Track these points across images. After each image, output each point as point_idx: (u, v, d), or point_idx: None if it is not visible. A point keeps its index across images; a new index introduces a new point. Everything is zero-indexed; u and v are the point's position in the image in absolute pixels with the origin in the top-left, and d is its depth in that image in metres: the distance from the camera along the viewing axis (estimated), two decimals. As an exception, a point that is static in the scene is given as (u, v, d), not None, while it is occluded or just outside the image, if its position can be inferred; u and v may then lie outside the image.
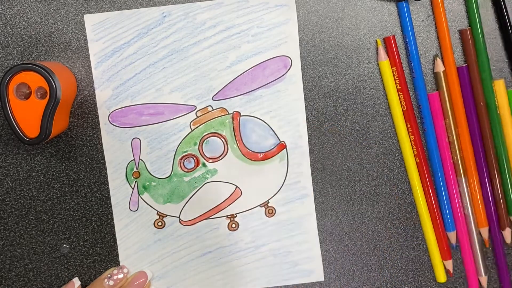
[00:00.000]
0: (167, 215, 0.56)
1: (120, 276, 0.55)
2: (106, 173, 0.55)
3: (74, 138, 0.55)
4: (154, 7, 0.54)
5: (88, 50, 0.54)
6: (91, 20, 0.54)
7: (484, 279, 0.56)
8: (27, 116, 0.49)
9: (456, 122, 0.55)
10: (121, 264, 0.56)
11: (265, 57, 0.54)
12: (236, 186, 0.56)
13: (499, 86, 0.55)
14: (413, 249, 0.57)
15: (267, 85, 0.55)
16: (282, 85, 0.55)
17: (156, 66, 0.54)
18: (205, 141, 0.55)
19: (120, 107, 0.55)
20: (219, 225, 0.56)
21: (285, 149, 0.55)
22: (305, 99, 0.55)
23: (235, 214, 0.56)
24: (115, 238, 0.56)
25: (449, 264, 0.56)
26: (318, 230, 0.56)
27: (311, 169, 0.56)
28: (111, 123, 0.55)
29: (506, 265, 0.56)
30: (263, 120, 0.55)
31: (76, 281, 0.55)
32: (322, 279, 0.57)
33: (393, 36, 0.54)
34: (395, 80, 0.54)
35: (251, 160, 0.55)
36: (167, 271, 0.56)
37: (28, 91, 0.50)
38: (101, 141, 0.55)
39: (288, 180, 0.56)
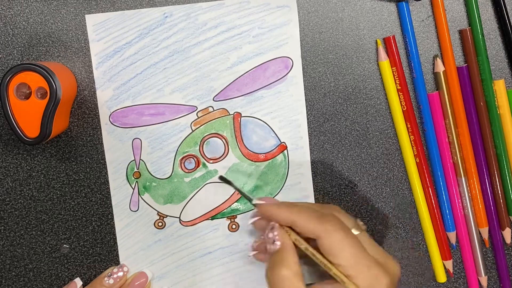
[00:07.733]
0: (167, 216, 0.56)
1: (120, 274, 0.55)
2: (106, 173, 0.55)
3: (74, 138, 0.55)
4: (156, 8, 0.54)
5: (88, 50, 0.54)
6: (92, 20, 0.53)
7: (484, 279, 0.57)
8: (27, 116, 0.49)
9: (456, 122, 0.55)
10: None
11: (266, 58, 0.54)
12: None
13: (499, 86, 0.55)
14: (413, 249, 0.57)
15: (268, 86, 0.55)
16: (283, 86, 0.55)
17: (157, 66, 0.54)
18: (205, 142, 0.55)
19: (121, 107, 0.54)
20: (219, 226, 0.56)
21: (285, 150, 0.55)
22: (305, 99, 0.55)
23: (236, 215, 0.56)
24: (115, 238, 0.56)
25: (449, 264, 0.57)
26: (318, 230, 0.56)
27: (311, 170, 0.56)
28: (112, 123, 0.55)
29: (506, 265, 0.57)
30: (264, 121, 0.55)
31: (78, 282, 0.55)
32: (322, 279, 0.57)
33: (393, 36, 0.54)
34: (395, 80, 0.54)
35: (252, 161, 0.55)
36: (167, 272, 0.56)
37: (28, 91, 0.50)
38: (102, 141, 0.55)
39: (288, 181, 0.56)
